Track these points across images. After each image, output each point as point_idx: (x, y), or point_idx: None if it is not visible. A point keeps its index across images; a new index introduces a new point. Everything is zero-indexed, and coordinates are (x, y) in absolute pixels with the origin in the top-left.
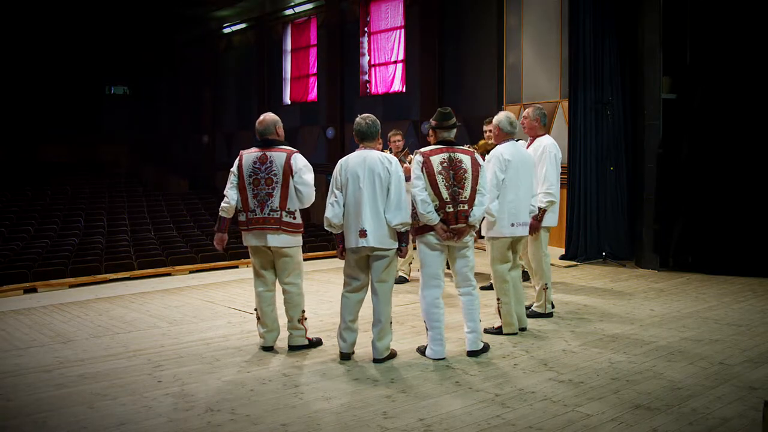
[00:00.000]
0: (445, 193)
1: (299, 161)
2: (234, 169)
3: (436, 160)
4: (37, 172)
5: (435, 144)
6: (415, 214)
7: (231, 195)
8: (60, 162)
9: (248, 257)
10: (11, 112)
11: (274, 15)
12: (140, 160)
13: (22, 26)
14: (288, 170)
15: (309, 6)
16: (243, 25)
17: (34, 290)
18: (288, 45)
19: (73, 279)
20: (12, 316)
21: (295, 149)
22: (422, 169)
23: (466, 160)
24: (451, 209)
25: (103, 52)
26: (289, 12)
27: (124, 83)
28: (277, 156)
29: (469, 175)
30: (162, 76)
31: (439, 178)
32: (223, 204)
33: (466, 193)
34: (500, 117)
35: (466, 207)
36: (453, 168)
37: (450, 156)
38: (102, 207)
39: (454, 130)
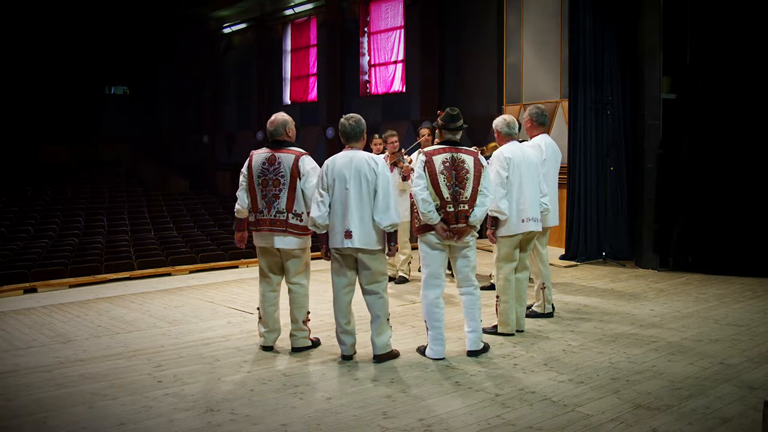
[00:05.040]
0: (446, 193)
1: (307, 164)
2: (244, 170)
3: (438, 160)
4: (38, 172)
5: (439, 144)
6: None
7: (242, 197)
8: (60, 162)
9: (248, 257)
10: (11, 112)
11: (274, 15)
12: (140, 160)
13: (21, 27)
14: (296, 172)
15: (309, 6)
16: (243, 25)
17: (34, 290)
18: (288, 45)
19: (73, 279)
20: (12, 316)
21: (304, 151)
22: (425, 168)
23: (469, 161)
24: (452, 209)
25: (102, 52)
26: (289, 12)
27: (124, 83)
28: (286, 158)
29: (471, 176)
30: (162, 76)
31: (441, 178)
32: (236, 206)
33: (467, 193)
34: (497, 120)
35: (466, 207)
36: (455, 168)
37: (453, 156)
38: (102, 207)
39: (460, 132)
